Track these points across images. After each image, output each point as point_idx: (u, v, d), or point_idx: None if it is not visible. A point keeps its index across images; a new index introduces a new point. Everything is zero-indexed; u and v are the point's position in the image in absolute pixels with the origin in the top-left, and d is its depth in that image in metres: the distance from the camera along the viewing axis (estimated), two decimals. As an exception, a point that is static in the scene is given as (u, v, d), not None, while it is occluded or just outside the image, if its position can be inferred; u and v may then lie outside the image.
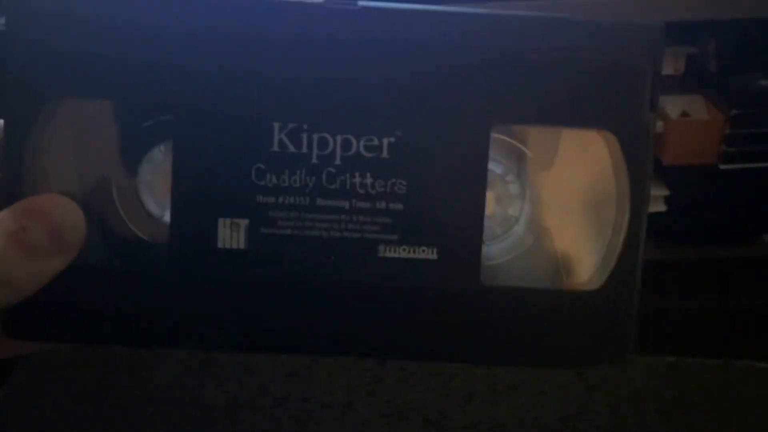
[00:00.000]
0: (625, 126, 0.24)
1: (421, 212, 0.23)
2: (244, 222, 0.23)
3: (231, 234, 0.23)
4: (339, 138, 0.23)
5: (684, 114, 1.03)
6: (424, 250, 0.22)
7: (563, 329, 0.23)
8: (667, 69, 1.01)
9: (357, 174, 0.23)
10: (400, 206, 0.23)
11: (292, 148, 0.23)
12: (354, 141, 0.23)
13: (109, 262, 0.24)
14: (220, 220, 0.23)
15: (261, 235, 0.23)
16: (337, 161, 0.23)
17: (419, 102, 0.23)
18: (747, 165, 0.98)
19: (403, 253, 0.23)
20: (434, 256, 0.23)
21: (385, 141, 0.23)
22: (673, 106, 1.03)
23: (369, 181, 0.23)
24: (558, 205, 0.24)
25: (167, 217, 0.24)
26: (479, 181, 0.23)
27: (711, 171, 1.00)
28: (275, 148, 0.23)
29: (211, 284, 0.23)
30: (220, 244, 0.23)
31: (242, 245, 0.23)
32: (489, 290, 0.23)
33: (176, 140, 0.23)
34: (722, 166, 0.99)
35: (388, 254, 0.23)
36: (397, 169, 0.23)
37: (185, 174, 0.23)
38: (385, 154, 0.23)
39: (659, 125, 1.00)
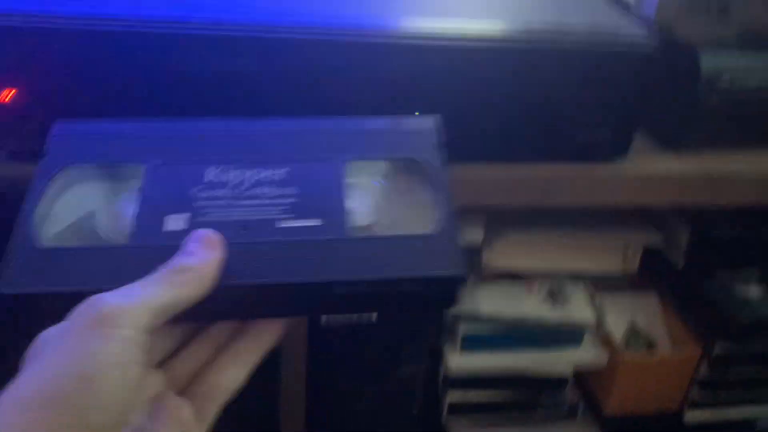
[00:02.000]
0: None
1: (309, 201, 0.36)
2: (186, 215, 0.35)
3: (177, 221, 0.35)
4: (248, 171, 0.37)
5: (633, 330, 0.69)
6: (311, 220, 0.35)
7: (413, 257, 0.35)
8: (613, 262, 0.68)
9: (262, 186, 0.37)
10: (292, 200, 0.36)
11: (219, 179, 0.36)
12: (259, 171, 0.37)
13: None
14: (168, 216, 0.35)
15: (197, 222, 0.35)
16: (247, 181, 0.37)
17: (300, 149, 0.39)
18: (722, 414, 0.65)
19: (296, 222, 0.35)
20: (319, 223, 0.35)
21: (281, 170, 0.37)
22: (619, 316, 0.70)
23: (268, 189, 0.36)
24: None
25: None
26: (341, 187, 0.37)
27: (671, 422, 0.66)
28: (208, 179, 0.36)
29: (162, 253, 0.32)
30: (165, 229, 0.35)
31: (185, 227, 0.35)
32: (355, 239, 0.35)
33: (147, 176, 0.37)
34: (688, 415, 0.65)
35: (284, 225, 0.35)
36: (289, 183, 0.37)
37: (152, 193, 0.36)
38: (282, 175, 0.37)
39: (601, 356, 0.67)
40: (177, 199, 0.35)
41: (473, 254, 0.65)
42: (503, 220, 0.64)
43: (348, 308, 0.37)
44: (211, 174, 0.36)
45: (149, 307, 0.28)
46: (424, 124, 0.41)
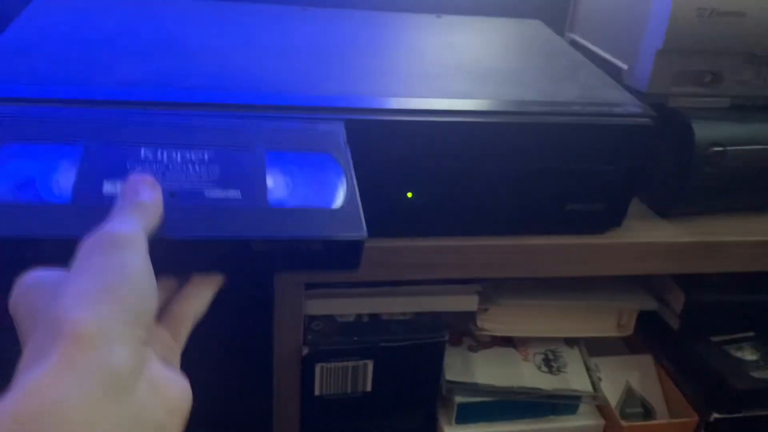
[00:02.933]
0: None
1: (233, 178, 0.40)
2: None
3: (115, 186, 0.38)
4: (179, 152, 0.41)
5: (629, 394, 0.69)
6: (233, 192, 0.39)
7: (321, 223, 0.40)
8: (608, 326, 0.67)
9: (191, 164, 0.40)
10: (217, 176, 0.40)
11: (152, 157, 0.40)
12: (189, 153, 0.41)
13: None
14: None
15: None
16: (177, 159, 0.40)
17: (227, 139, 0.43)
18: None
19: (220, 193, 0.39)
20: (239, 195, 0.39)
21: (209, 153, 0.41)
22: (615, 380, 0.69)
23: (197, 167, 0.40)
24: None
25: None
26: (262, 169, 0.41)
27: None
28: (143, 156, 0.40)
29: (102, 212, 0.35)
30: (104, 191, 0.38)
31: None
32: (272, 209, 0.39)
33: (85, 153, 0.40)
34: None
35: (209, 195, 0.39)
36: (216, 163, 0.41)
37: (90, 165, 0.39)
38: (211, 157, 0.41)
39: (598, 424, 0.66)
40: (114, 170, 0.39)
41: (468, 321, 0.65)
42: (498, 286, 0.64)
43: (266, 266, 0.41)
44: (144, 153, 0.40)
45: (143, 232, 0.33)
46: (334, 126, 0.46)
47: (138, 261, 0.32)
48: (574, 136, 0.52)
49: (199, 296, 0.39)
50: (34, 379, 0.27)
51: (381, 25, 0.68)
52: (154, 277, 0.32)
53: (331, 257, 0.40)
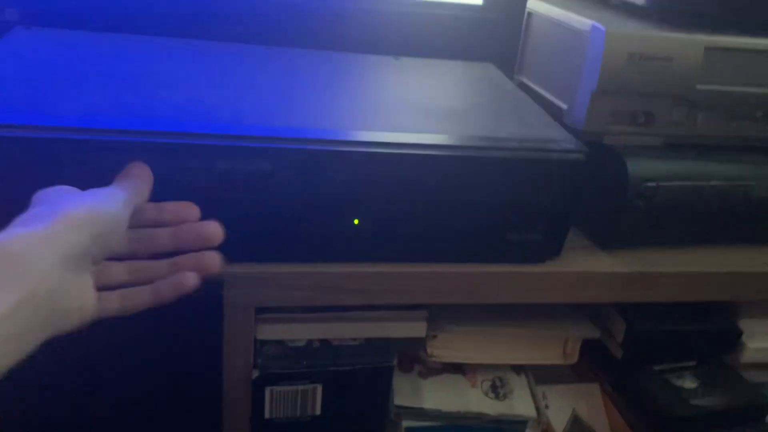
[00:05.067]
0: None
1: None
2: None
3: None
4: None
5: (575, 422, 0.71)
6: None
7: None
8: (554, 354, 0.70)
9: None
10: None
11: None
12: None
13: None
14: None
15: None
16: None
17: None
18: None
19: None
20: None
21: None
22: (561, 407, 0.71)
23: None
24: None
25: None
26: None
27: None
28: None
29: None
30: None
31: None
32: None
33: None
34: None
35: None
36: None
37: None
38: None
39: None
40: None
41: (419, 348, 0.67)
42: (445, 313, 0.66)
43: None
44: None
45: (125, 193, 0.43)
46: None
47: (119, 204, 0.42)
48: (512, 169, 0.56)
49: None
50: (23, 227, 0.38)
51: (340, 65, 0.71)
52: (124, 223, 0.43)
53: None
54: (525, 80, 0.76)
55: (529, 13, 0.75)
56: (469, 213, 0.57)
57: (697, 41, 0.61)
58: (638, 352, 0.71)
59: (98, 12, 0.73)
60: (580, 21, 0.63)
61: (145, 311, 0.45)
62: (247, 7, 0.74)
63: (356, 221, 0.55)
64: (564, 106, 0.66)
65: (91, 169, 0.46)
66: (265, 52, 0.72)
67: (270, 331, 0.60)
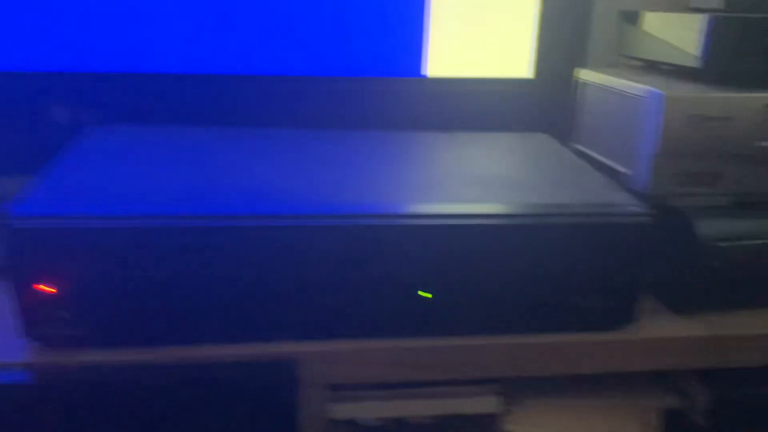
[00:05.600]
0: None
1: None
2: None
3: None
4: None
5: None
6: None
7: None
8: (633, 426, 0.67)
9: None
10: None
11: None
12: None
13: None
14: None
15: None
16: None
17: None
18: None
19: None
20: None
21: None
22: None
23: None
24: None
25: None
26: None
27: None
28: None
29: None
30: None
31: None
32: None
33: None
34: None
35: None
36: None
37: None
38: None
39: None
40: None
41: (490, 423, 0.65)
42: (518, 386, 0.65)
43: None
44: None
45: None
46: None
47: None
48: (580, 235, 0.55)
49: None
50: None
51: (396, 142, 0.73)
52: None
53: None
54: (581, 147, 0.76)
55: (580, 83, 0.76)
56: (539, 282, 0.56)
57: (755, 99, 0.61)
58: (726, 422, 0.67)
59: (157, 107, 0.77)
60: (635, 87, 0.64)
61: (218, 391, 0.46)
62: (309, 94, 0.77)
63: (428, 295, 0.55)
64: (625, 170, 0.66)
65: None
66: (327, 134, 0.75)
67: (342, 411, 0.60)
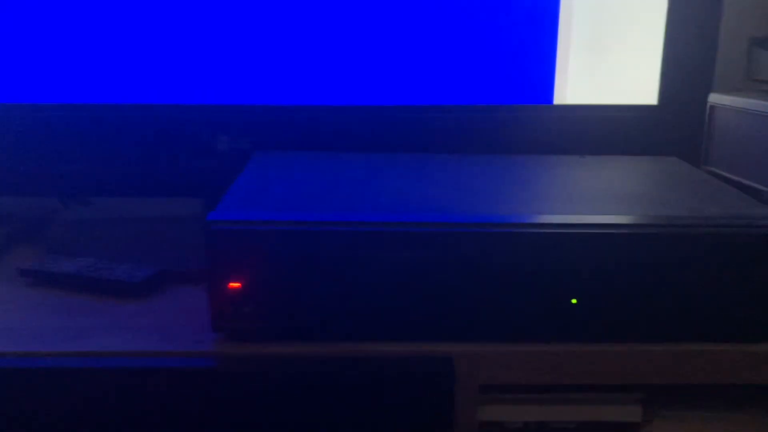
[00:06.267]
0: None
1: None
2: None
3: None
4: None
5: None
6: None
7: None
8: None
9: None
10: None
11: None
12: None
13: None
14: None
15: None
16: None
17: None
18: None
19: None
20: None
21: None
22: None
23: None
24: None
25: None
26: None
27: None
28: None
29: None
30: None
31: None
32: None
33: None
34: None
35: None
36: None
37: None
38: None
39: None
40: None
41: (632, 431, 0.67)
42: (663, 396, 0.66)
43: None
44: None
45: None
46: None
47: None
48: (723, 245, 0.57)
49: None
50: None
51: (534, 164, 0.78)
52: None
53: None
54: (715, 170, 0.78)
55: (712, 107, 0.78)
56: (684, 290, 0.58)
57: None
58: None
59: (311, 135, 0.85)
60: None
61: (382, 384, 0.51)
62: (452, 121, 0.83)
63: (574, 301, 0.58)
64: (764, 188, 0.67)
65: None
66: (468, 158, 0.80)
67: (490, 412, 0.63)
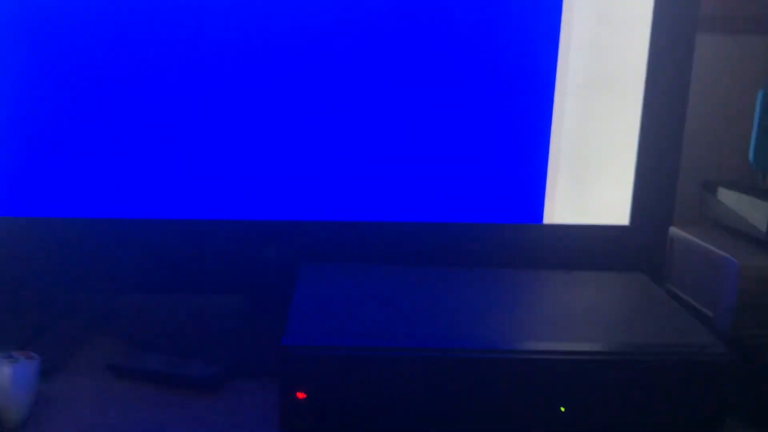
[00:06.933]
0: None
1: None
2: None
3: None
4: None
5: None
6: None
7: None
8: None
9: None
10: None
11: None
12: None
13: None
14: None
15: None
16: None
17: None
18: None
19: None
20: None
21: None
22: None
23: None
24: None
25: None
26: None
27: None
28: None
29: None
30: None
31: None
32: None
33: None
34: None
35: None
36: None
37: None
38: None
39: None
40: None
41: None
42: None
43: None
44: None
45: None
46: None
47: None
48: (664, 373, 0.72)
49: None
50: None
51: (519, 281, 0.95)
52: None
53: None
54: (674, 289, 0.96)
55: (671, 238, 0.97)
56: (644, 409, 0.72)
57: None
58: None
59: (352, 248, 1.01)
60: (715, 253, 0.84)
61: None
62: (462, 238, 1.01)
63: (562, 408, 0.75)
64: (710, 313, 0.85)
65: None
66: (469, 273, 0.97)
67: None
